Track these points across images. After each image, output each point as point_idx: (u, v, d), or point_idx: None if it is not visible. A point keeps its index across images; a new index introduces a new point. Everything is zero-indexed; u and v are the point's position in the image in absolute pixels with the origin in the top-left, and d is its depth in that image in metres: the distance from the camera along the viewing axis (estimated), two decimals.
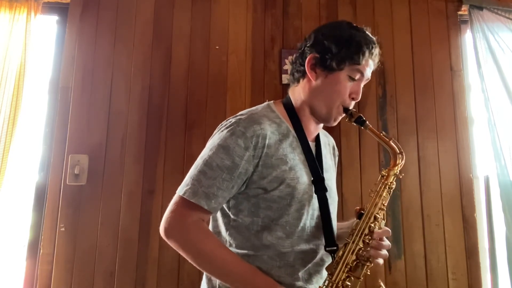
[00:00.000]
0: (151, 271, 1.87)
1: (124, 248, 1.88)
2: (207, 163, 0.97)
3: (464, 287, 1.95)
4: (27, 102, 1.97)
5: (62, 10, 2.10)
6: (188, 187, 0.96)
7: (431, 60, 2.16)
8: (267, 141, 0.99)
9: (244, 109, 1.09)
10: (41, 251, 1.86)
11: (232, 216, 1.03)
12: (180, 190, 0.97)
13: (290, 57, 2.09)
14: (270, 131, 1.00)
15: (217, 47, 2.10)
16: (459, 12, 2.22)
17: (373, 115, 2.08)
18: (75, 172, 1.89)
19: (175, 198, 0.98)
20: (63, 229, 1.86)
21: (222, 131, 1.01)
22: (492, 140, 2.03)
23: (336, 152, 1.29)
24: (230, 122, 1.02)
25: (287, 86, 2.04)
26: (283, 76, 2.08)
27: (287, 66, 2.09)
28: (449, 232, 2.00)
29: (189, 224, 0.95)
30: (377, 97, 2.12)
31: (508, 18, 2.13)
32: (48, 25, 2.12)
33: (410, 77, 2.14)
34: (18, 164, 1.96)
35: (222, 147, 0.97)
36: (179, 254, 0.96)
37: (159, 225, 0.97)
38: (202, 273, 1.04)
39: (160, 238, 0.97)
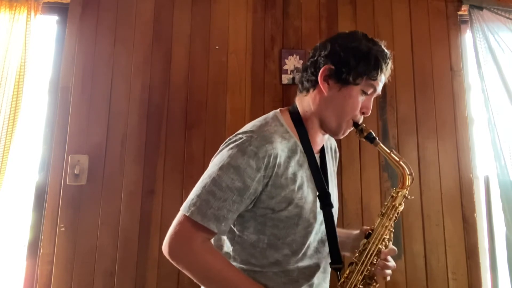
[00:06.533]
0: (151, 271, 1.87)
1: (124, 248, 1.88)
2: (216, 183, 0.91)
3: (464, 287, 1.95)
4: (27, 102, 1.97)
5: (62, 10, 2.10)
6: (195, 207, 0.90)
7: (431, 60, 2.16)
8: (277, 161, 0.94)
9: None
10: (41, 251, 1.86)
11: (237, 232, 1.00)
12: (186, 209, 0.91)
13: (290, 57, 2.09)
14: (280, 149, 0.96)
15: (217, 47, 2.10)
16: (459, 12, 2.22)
17: (373, 115, 2.08)
18: (75, 172, 1.89)
19: (179, 217, 0.92)
20: (63, 229, 1.87)
21: (231, 148, 0.95)
22: (492, 140, 2.02)
23: (337, 154, 1.27)
24: (240, 139, 0.96)
25: (287, 86, 2.07)
26: (283, 76, 2.08)
27: (287, 66, 2.09)
28: (449, 232, 2.00)
29: (195, 246, 0.90)
30: (377, 97, 2.10)
31: (508, 18, 2.13)
32: (48, 25, 2.12)
33: (410, 77, 2.14)
34: (18, 164, 1.96)
35: (233, 167, 0.92)
36: None
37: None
38: None
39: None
